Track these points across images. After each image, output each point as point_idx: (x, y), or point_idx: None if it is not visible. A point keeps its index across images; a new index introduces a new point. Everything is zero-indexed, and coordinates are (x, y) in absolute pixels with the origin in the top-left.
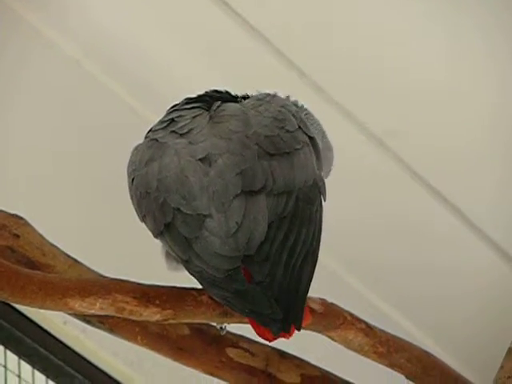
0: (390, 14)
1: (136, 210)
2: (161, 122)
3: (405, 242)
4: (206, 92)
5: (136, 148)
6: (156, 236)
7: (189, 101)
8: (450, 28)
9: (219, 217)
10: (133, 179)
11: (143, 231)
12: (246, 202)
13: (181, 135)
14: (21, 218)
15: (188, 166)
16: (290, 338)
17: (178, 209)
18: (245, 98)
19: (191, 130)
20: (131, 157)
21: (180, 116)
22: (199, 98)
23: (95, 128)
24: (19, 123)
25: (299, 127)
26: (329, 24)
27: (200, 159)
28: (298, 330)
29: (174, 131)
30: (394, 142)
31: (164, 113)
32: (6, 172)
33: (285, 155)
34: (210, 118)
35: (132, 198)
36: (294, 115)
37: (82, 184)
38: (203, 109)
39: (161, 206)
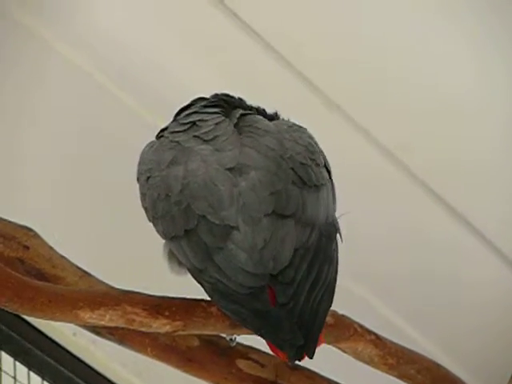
0: (400, 25)
1: (147, 209)
2: (179, 123)
3: (415, 253)
4: (218, 94)
5: (151, 146)
6: (170, 239)
7: (206, 103)
8: (465, 41)
9: (246, 230)
10: (148, 177)
11: (153, 243)
12: (276, 223)
13: (205, 141)
14: (30, 230)
15: (216, 174)
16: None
17: (204, 216)
18: (257, 109)
19: (216, 137)
20: (145, 154)
21: (201, 120)
22: (215, 101)
23: (104, 136)
24: (31, 135)
25: (324, 163)
26: (337, 34)
27: (228, 168)
28: (310, 358)
29: (197, 136)
30: (404, 155)
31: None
32: (16, 183)
33: (313, 187)
34: (235, 126)
35: (144, 197)
36: (320, 150)
37: (92, 196)
38: (222, 115)
39: (184, 211)
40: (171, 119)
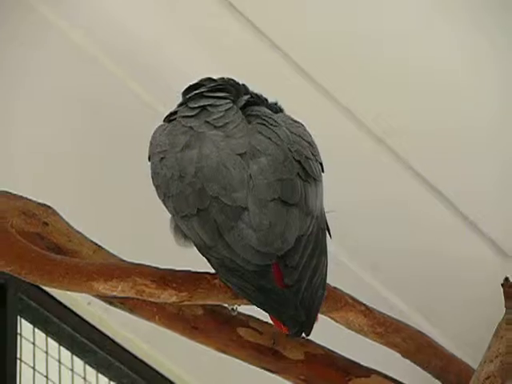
0: (391, 12)
1: (159, 187)
2: (190, 108)
3: (401, 229)
4: (225, 78)
5: (164, 129)
6: (180, 217)
7: (213, 86)
8: (454, 25)
9: (255, 211)
10: (162, 158)
11: (161, 219)
12: (281, 208)
13: (216, 127)
14: (49, 207)
15: (228, 158)
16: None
17: (217, 197)
18: (260, 97)
19: (227, 123)
20: (158, 136)
21: (212, 105)
22: (223, 85)
23: (110, 120)
24: (40, 118)
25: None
26: (329, 20)
27: (239, 154)
28: (307, 335)
29: (208, 122)
30: (392, 137)
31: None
32: (34, 166)
33: (313, 182)
34: (244, 114)
35: (156, 176)
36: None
37: (103, 178)
38: (231, 100)
39: (198, 192)
40: (172, 102)
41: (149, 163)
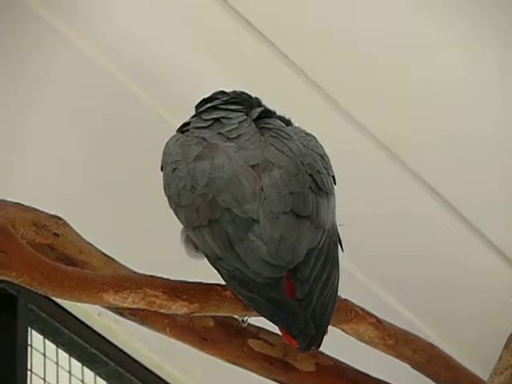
0: (393, 17)
1: (170, 197)
2: (203, 119)
3: (410, 240)
4: (237, 92)
5: (177, 139)
6: (192, 228)
7: (227, 99)
8: (458, 33)
9: (266, 224)
10: (174, 169)
11: (172, 231)
12: (293, 221)
13: (229, 139)
14: (60, 219)
15: (241, 170)
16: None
17: (229, 209)
18: (273, 112)
19: (240, 135)
20: (170, 146)
21: (225, 118)
22: (236, 98)
23: (122, 132)
24: (52, 130)
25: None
26: (333, 26)
27: (252, 165)
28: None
29: (221, 133)
30: (397, 146)
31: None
32: (46, 177)
33: (325, 195)
34: (257, 127)
35: (168, 186)
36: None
37: (115, 189)
38: (244, 113)
39: (209, 203)
40: (182, 112)
41: (161, 173)
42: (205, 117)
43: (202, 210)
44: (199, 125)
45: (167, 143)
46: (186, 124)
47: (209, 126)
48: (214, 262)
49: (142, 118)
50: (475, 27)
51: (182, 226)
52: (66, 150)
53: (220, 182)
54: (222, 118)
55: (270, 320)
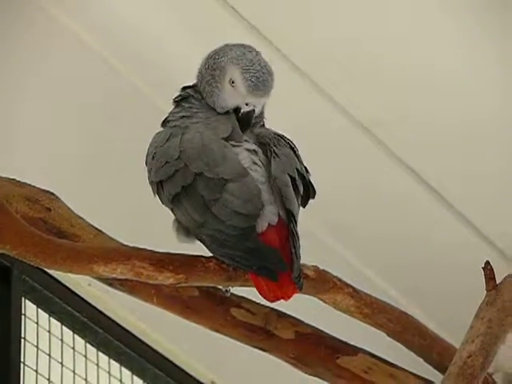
0: (384, 7)
1: (152, 183)
2: (176, 112)
3: (387, 216)
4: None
5: (157, 133)
6: (172, 201)
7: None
8: (454, 23)
9: (240, 180)
10: (153, 155)
11: (159, 207)
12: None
13: (199, 121)
14: (52, 194)
15: (210, 139)
16: (288, 300)
17: (201, 173)
18: None
19: (208, 117)
20: (152, 140)
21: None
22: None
23: (110, 112)
24: (47, 113)
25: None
26: (316, 12)
27: (222, 138)
28: (300, 289)
29: (194, 121)
30: (378, 128)
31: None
32: (39, 156)
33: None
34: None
35: (150, 172)
36: None
37: (104, 167)
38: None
39: (182, 172)
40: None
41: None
42: (177, 109)
43: (175, 178)
44: (173, 117)
45: (152, 138)
46: (166, 118)
47: (181, 117)
48: (197, 231)
49: (131, 99)
50: (475, 17)
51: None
52: (56, 128)
53: (190, 152)
54: (191, 108)
55: (250, 270)
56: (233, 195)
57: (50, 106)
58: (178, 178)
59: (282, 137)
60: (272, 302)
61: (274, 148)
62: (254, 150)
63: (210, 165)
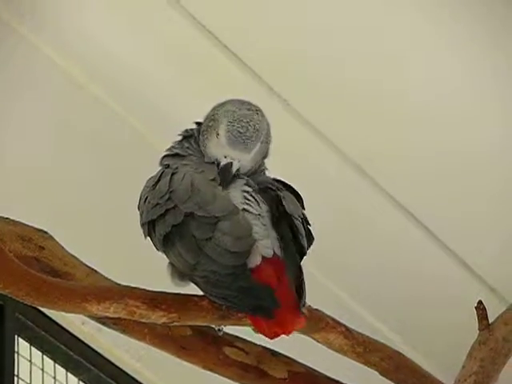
0: (377, 32)
1: (143, 225)
2: (169, 154)
3: (378, 252)
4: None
5: (150, 177)
6: (163, 243)
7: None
8: (445, 45)
9: (232, 218)
10: (145, 199)
11: (152, 246)
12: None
13: (188, 164)
14: (45, 233)
15: (199, 181)
16: (288, 336)
17: (192, 213)
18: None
19: (199, 162)
20: (145, 185)
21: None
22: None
23: (97, 147)
24: (35, 146)
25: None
26: (305, 45)
27: (211, 179)
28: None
29: (182, 160)
30: (366, 162)
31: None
32: (32, 193)
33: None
34: None
35: (141, 216)
36: None
37: (97, 206)
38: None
39: (172, 211)
40: (154, 122)
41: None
42: (177, 145)
43: (167, 219)
44: (169, 152)
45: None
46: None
47: (175, 154)
48: (191, 273)
49: (116, 130)
50: (468, 37)
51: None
52: (48, 166)
53: (180, 193)
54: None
55: (245, 310)
56: (224, 233)
57: (37, 140)
58: (169, 218)
59: (284, 184)
60: (272, 338)
61: (278, 191)
62: (249, 190)
63: (201, 204)
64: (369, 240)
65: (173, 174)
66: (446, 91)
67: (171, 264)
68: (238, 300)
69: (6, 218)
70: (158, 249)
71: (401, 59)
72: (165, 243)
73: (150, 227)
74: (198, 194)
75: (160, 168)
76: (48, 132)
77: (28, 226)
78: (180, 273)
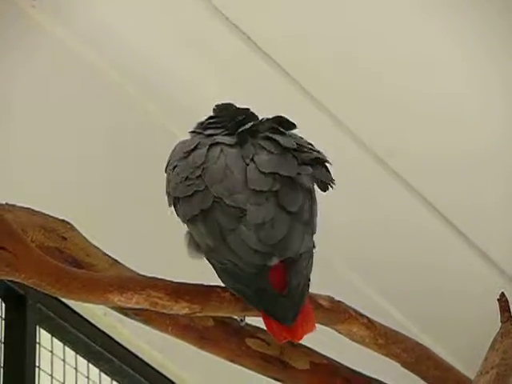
0: (393, 31)
1: (169, 194)
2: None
3: (401, 245)
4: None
5: (182, 142)
6: (187, 220)
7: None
8: (456, 45)
9: (251, 209)
10: (174, 167)
11: (174, 236)
12: (279, 211)
13: (226, 135)
14: (68, 223)
15: (234, 162)
16: (297, 342)
17: (220, 198)
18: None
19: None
20: (176, 148)
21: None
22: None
23: (114, 132)
24: (42, 126)
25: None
26: (331, 37)
27: (244, 160)
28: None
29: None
30: (392, 159)
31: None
32: (55, 183)
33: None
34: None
35: (168, 183)
36: None
37: (120, 196)
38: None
39: (201, 193)
40: (173, 109)
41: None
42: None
43: (194, 200)
44: (205, 125)
45: (176, 145)
46: (198, 127)
47: (214, 126)
48: (208, 254)
49: (134, 117)
50: (478, 41)
51: (185, 231)
52: (70, 154)
53: (213, 173)
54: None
55: (259, 309)
56: (249, 229)
57: (54, 128)
58: (197, 201)
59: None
60: (281, 341)
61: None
62: None
63: (230, 190)
64: (391, 234)
65: (210, 147)
66: (464, 90)
67: (190, 234)
68: (252, 297)
69: (28, 209)
70: (179, 218)
71: (421, 61)
72: (188, 219)
73: (175, 201)
74: (229, 177)
75: (193, 134)
76: (65, 119)
77: (50, 216)
78: (198, 244)
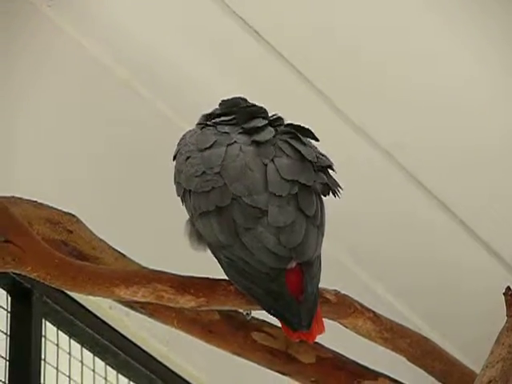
0: (398, 23)
1: (179, 184)
2: (221, 119)
3: (408, 240)
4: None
5: (194, 132)
6: (198, 214)
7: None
8: (461, 38)
9: (273, 212)
10: (188, 157)
11: (180, 229)
12: (299, 214)
13: (244, 133)
14: (73, 216)
15: (254, 162)
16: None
17: (239, 197)
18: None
19: (258, 130)
20: (187, 137)
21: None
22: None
23: (123, 129)
24: (68, 130)
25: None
26: (336, 32)
27: (264, 162)
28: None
29: (243, 129)
30: (399, 152)
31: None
32: (60, 176)
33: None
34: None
35: (179, 173)
36: None
37: (126, 189)
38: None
39: (219, 189)
40: (182, 107)
41: (171, 170)
42: (223, 118)
43: (211, 196)
44: (218, 120)
45: (184, 135)
46: (206, 120)
47: (227, 123)
48: (216, 250)
49: (143, 114)
50: (481, 33)
51: (186, 219)
52: (77, 148)
53: (233, 170)
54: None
55: (267, 311)
56: (268, 230)
57: (63, 122)
58: (214, 197)
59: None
60: (294, 340)
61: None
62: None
63: (250, 190)
64: (398, 228)
65: (228, 145)
66: (470, 83)
67: (191, 223)
68: (263, 298)
69: (34, 202)
70: (186, 209)
71: (427, 54)
72: (200, 214)
73: (186, 193)
74: (249, 177)
75: (210, 130)
76: (75, 115)
77: (56, 209)
78: (199, 234)
